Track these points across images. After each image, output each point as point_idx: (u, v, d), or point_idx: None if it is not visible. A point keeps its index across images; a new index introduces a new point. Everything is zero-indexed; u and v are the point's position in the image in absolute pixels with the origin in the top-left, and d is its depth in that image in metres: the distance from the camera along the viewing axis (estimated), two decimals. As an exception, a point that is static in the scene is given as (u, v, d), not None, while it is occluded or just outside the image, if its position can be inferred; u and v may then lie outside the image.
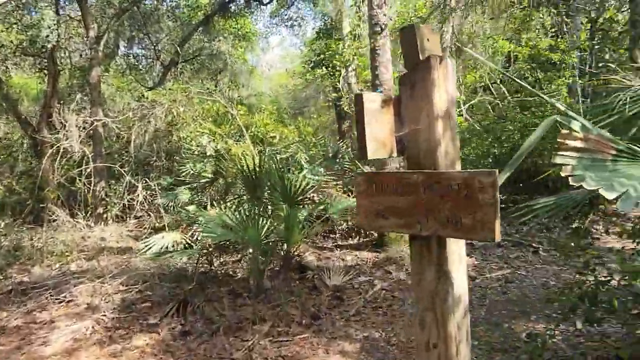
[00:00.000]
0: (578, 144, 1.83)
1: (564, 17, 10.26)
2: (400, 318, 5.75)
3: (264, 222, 6.21)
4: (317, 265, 7.54)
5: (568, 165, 1.77)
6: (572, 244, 4.52)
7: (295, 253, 6.58)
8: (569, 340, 4.80)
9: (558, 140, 1.84)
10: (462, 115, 9.86)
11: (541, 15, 11.15)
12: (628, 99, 4.21)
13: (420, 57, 1.54)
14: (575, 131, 1.94)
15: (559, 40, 10.00)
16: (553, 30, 10.43)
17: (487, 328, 5.40)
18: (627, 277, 3.96)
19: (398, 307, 6.11)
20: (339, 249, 8.49)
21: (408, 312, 5.86)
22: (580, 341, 4.89)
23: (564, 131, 1.86)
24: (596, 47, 10.81)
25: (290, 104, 17.82)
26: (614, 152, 1.87)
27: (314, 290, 6.67)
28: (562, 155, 1.81)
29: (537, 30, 11.10)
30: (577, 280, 4.52)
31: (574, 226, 4.23)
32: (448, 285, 1.53)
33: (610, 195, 1.61)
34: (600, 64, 10.85)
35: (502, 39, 10.14)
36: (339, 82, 8.95)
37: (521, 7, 11.75)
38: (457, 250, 1.56)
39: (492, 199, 1.37)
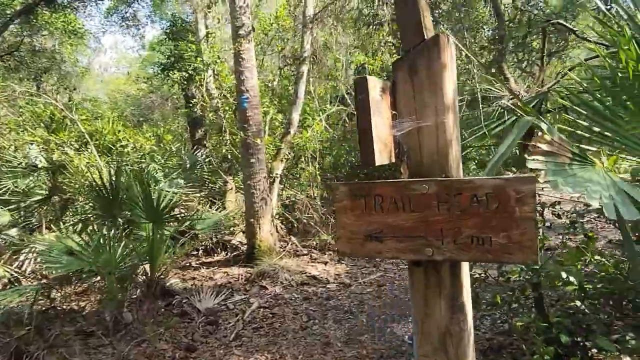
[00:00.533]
0: (547, 147, 1.73)
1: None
2: (284, 337, 5.39)
3: (121, 244, 5.28)
4: (184, 287, 6.76)
5: (541, 170, 1.65)
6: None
7: (161, 277, 5.74)
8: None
9: (532, 144, 1.71)
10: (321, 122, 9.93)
11: (386, 34, 11.93)
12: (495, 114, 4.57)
13: (426, 36, 1.22)
14: (546, 133, 1.84)
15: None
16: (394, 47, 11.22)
17: (372, 336, 5.36)
18: (505, 274, 4.22)
19: (280, 324, 5.74)
20: (205, 267, 7.77)
21: (290, 328, 5.55)
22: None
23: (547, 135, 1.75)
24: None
25: (133, 111, 16.13)
26: (570, 156, 1.83)
27: (185, 317, 5.92)
28: (535, 160, 1.68)
29: (385, 45, 11.84)
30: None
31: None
32: (463, 321, 1.24)
33: (594, 203, 1.52)
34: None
35: (357, 52, 10.57)
36: (201, 86, 8.26)
37: (365, 25, 12.47)
38: (466, 275, 1.28)
39: (532, 211, 1.11)
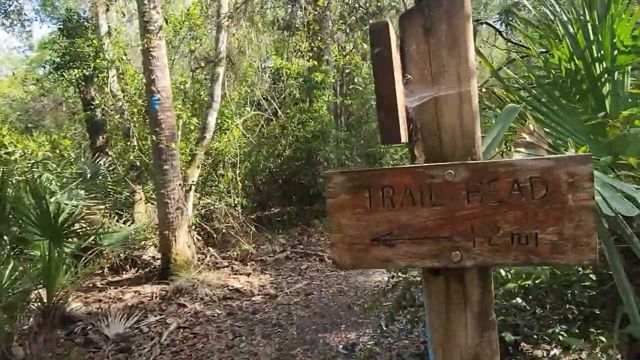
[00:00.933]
0: (529, 138, 1.56)
1: (319, 42, 11.07)
2: (209, 359, 4.91)
3: (8, 266, 4.46)
4: (88, 312, 5.94)
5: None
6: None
7: (60, 302, 4.94)
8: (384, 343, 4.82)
9: (519, 133, 1.53)
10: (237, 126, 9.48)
11: (299, 40, 11.81)
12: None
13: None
14: (531, 123, 1.67)
15: (320, 62, 10.70)
16: (310, 52, 11.12)
17: (304, 349, 5.06)
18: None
19: (203, 345, 5.23)
20: (112, 287, 6.94)
21: (215, 349, 5.07)
22: (390, 342, 4.99)
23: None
24: (346, 71, 12.03)
25: (19, 117, 14.31)
26: (547, 148, 1.69)
27: (90, 345, 5.18)
28: (518, 151, 1.50)
29: (298, 52, 11.69)
30: (396, 281, 4.56)
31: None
32: (494, 342, 0.98)
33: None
34: (350, 86, 12.14)
35: (273, 55, 10.29)
36: (105, 85, 7.41)
37: (280, 29, 12.27)
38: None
39: (589, 198, 0.89)
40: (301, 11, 10.72)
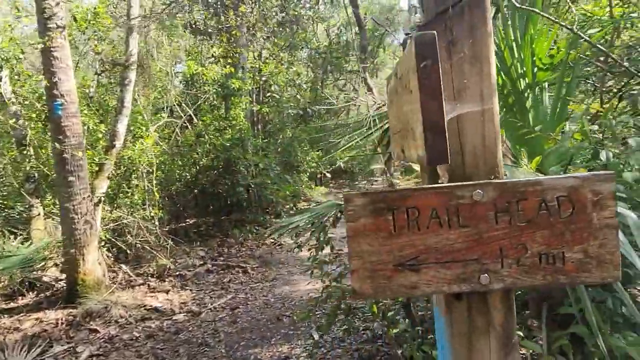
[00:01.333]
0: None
1: (236, 48, 10.86)
2: (131, 387, 4.52)
3: None
4: (-22, 347, 5.18)
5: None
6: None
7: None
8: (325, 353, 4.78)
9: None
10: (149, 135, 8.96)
11: (216, 46, 11.50)
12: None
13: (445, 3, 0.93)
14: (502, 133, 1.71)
15: (236, 69, 10.48)
16: (227, 59, 10.87)
17: (235, 368, 4.86)
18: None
19: (122, 373, 4.81)
20: (7, 316, 6.13)
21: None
22: (324, 352, 4.97)
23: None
24: (263, 78, 11.88)
25: None
26: (511, 157, 1.75)
27: (-17, 388, 4.53)
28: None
29: (212, 58, 11.35)
30: (328, 291, 4.53)
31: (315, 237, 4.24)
32: (518, 363, 0.96)
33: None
34: (267, 94, 12.02)
35: (190, 60, 9.86)
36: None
37: (193, 34, 11.82)
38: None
39: (612, 217, 0.90)
40: (217, 16, 10.41)
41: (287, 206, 11.42)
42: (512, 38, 3.20)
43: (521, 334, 3.00)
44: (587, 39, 2.84)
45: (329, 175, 13.10)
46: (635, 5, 3.77)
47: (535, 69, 3.29)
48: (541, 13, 3.32)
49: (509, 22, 3.24)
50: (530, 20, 3.28)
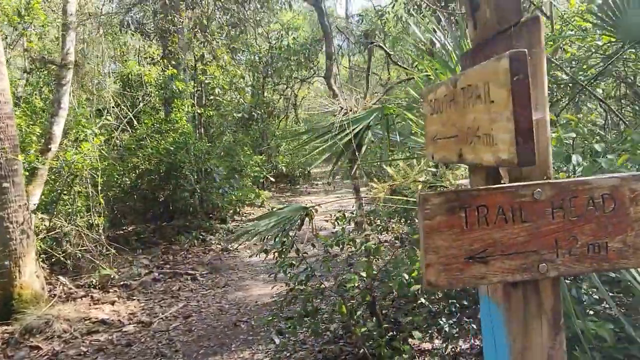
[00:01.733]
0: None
1: (177, 48, 10.59)
2: (84, 406, 4.29)
3: None
4: None
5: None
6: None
7: None
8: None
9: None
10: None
11: (149, 45, 11.14)
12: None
13: (520, 17, 1.04)
14: None
15: (178, 70, 10.22)
16: (169, 60, 10.57)
17: (196, 377, 4.76)
18: (342, 284, 4.31)
19: (73, 391, 4.55)
20: None
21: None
22: (287, 355, 5.00)
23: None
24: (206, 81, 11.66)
25: None
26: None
27: None
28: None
29: (150, 59, 11.00)
30: (295, 294, 4.57)
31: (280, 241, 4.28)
32: (563, 343, 1.09)
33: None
34: (210, 97, 11.81)
35: (131, 61, 9.46)
36: None
37: (132, 34, 11.36)
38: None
39: (647, 210, 1.06)
40: (157, 16, 10.08)
41: (231, 211, 11.28)
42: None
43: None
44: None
45: (272, 179, 13.08)
46: (572, 25, 4.21)
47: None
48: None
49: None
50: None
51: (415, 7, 7.56)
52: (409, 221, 4.92)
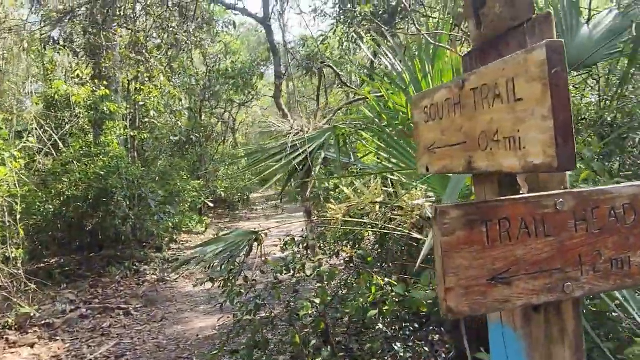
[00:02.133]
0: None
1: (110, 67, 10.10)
2: None
3: None
4: None
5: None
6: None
7: None
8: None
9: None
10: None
11: (77, 64, 10.56)
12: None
13: (532, 13, 0.96)
14: None
15: (110, 91, 9.70)
16: (100, 80, 10.01)
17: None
18: (295, 312, 4.10)
19: None
20: None
21: None
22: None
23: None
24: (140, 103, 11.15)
25: None
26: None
27: None
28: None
29: (78, 78, 10.36)
30: (241, 324, 4.28)
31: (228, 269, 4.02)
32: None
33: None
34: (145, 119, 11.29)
35: (58, 80, 8.81)
36: None
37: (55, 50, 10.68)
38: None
39: (663, 221, 0.99)
40: (86, 34, 9.54)
41: (167, 239, 10.69)
42: (429, 70, 3.46)
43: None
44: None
45: (211, 204, 12.59)
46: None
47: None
48: (446, 47, 3.66)
49: (423, 56, 3.50)
50: (437, 55, 3.59)
51: (357, 32, 7.71)
52: (361, 244, 4.82)
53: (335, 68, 7.52)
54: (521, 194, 0.97)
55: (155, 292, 8.02)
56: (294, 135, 3.75)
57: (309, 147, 3.58)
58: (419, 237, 3.45)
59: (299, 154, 3.58)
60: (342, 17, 8.68)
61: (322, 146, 3.71)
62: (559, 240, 0.93)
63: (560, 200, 0.93)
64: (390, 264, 4.63)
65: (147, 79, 10.87)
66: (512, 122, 0.86)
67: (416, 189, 3.29)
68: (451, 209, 0.88)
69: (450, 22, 4.05)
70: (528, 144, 0.82)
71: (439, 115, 1.12)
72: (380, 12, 8.07)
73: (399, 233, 3.73)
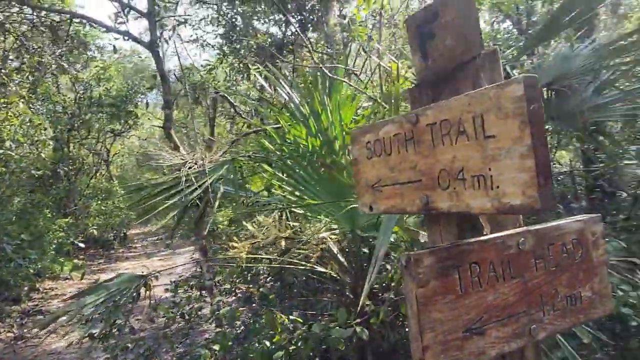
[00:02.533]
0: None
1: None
2: None
3: None
4: None
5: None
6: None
7: None
8: None
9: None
10: None
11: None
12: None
13: (482, 48, 0.94)
14: None
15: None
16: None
17: None
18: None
19: None
20: None
21: None
22: None
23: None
24: None
25: None
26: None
27: None
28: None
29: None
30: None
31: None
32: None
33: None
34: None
35: None
36: None
37: None
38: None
39: (604, 254, 1.02)
40: None
41: (27, 288, 9.29)
42: (327, 103, 3.48)
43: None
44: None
45: (82, 245, 11.26)
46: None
47: (344, 133, 3.61)
48: (344, 80, 3.73)
49: (320, 88, 3.51)
50: (334, 88, 3.64)
51: (245, 62, 7.63)
52: (258, 280, 4.60)
53: (230, 98, 7.29)
54: (484, 234, 0.92)
55: (12, 353, 6.83)
56: (189, 168, 3.48)
57: (206, 181, 3.33)
58: (324, 270, 3.37)
59: (195, 189, 3.31)
60: (227, 47, 8.56)
61: (219, 179, 3.49)
62: (523, 281, 0.90)
63: (522, 239, 0.90)
64: (290, 300, 4.49)
65: (3, 105, 9.56)
66: (481, 160, 0.81)
67: (320, 222, 3.23)
68: (424, 257, 0.79)
69: (347, 56, 4.18)
70: (503, 184, 0.77)
71: (386, 151, 1.05)
72: (267, 45, 8.12)
73: (303, 267, 3.63)
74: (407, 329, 3.29)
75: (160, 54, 5.15)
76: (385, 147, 1.05)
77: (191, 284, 4.30)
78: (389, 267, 3.67)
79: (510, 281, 0.88)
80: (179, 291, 4.42)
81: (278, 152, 3.41)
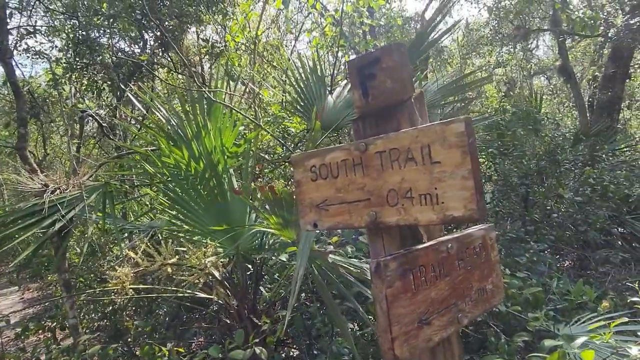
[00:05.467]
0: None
1: None
2: None
3: None
4: None
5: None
6: None
7: None
8: None
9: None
10: None
11: None
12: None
13: (411, 91, 1.15)
14: None
15: None
16: None
17: None
18: None
19: None
20: None
21: None
22: None
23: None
24: None
25: None
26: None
27: None
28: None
29: None
30: None
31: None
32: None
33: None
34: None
35: None
36: None
37: None
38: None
39: (497, 254, 1.30)
40: None
41: None
42: (209, 127, 3.50)
43: None
44: (270, 132, 3.49)
45: None
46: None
47: (226, 156, 3.67)
48: (225, 103, 3.78)
49: (198, 112, 3.50)
50: (213, 113, 3.68)
51: (97, 80, 7.05)
52: (124, 312, 4.26)
53: (98, 119, 6.59)
54: (423, 242, 1.12)
55: None
56: (51, 194, 3.11)
57: (72, 208, 3.04)
58: (209, 297, 3.32)
59: (57, 218, 2.98)
60: (76, 62, 7.84)
61: (89, 206, 3.20)
62: (451, 279, 1.12)
63: (450, 244, 1.13)
64: (164, 331, 4.28)
65: None
66: (428, 181, 1.01)
67: (205, 246, 3.20)
68: (390, 261, 0.95)
69: (225, 80, 4.20)
70: (447, 200, 0.98)
71: (332, 174, 1.19)
72: (121, 65, 7.69)
73: (181, 295, 3.51)
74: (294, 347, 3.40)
75: (13, 64, 4.49)
76: (332, 171, 1.20)
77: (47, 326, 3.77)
78: (268, 286, 3.76)
79: (444, 279, 1.09)
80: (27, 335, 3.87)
81: (160, 176, 3.28)
